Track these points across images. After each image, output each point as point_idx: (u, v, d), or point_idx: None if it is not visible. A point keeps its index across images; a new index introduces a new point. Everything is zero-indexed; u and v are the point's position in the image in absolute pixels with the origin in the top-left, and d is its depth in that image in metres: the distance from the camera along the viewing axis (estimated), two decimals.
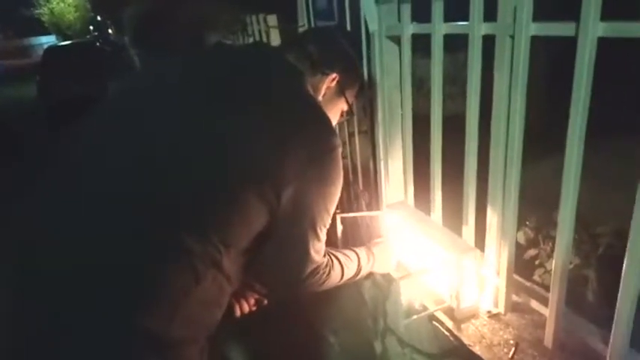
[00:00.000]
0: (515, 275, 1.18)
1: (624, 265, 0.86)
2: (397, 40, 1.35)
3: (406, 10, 1.26)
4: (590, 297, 1.37)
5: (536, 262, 1.49)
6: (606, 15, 0.83)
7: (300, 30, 2.07)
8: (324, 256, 1.05)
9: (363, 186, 1.84)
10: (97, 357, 0.78)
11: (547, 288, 1.14)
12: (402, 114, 1.43)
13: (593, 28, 0.83)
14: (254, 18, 2.39)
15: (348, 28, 1.61)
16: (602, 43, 0.85)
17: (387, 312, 1.46)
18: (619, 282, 0.87)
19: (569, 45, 0.89)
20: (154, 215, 0.83)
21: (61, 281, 0.80)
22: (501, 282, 1.17)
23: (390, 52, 1.38)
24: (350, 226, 1.46)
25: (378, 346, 1.52)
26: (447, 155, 1.31)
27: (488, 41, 1.07)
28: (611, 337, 0.92)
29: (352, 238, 1.66)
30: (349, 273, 1.15)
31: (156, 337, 0.79)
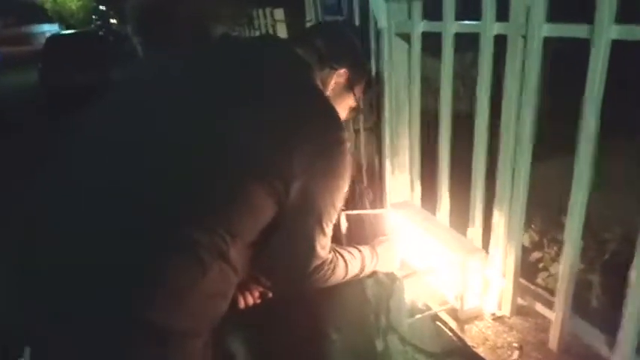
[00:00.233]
0: (520, 278, 1.18)
1: (633, 271, 0.85)
2: (407, 37, 1.34)
3: (417, 7, 1.25)
4: (594, 302, 1.37)
5: (540, 266, 1.49)
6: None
7: (308, 24, 2.06)
8: (330, 252, 1.04)
9: (367, 183, 1.83)
10: (98, 348, 0.78)
11: (551, 291, 1.14)
12: (409, 112, 1.42)
13: (607, 31, 0.82)
14: (260, 12, 2.37)
15: (357, 23, 1.60)
16: (615, 44, 0.84)
17: (389, 310, 1.45)
18: (625, 288, 0.87)
19: (576, 45, 0.89)
20: (158, 207, 0.82)
21: (62, 275, 0.79)
22: (507, 284, 1.17)
23: (399, 49, 1.37)
24: (354, 223, 1.45)
25: (379, 344, 1.51)
26: (454, 154, 1.30)
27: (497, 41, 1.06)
28: (617, 342, 0.92)
29: (356, 235, 1.65)
30: (353, 270, 1.15)
31: (159, 328, 0.79)
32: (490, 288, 1.22)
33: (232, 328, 1.16)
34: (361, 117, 1.67)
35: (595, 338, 1.01)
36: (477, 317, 1.21)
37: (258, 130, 0.89)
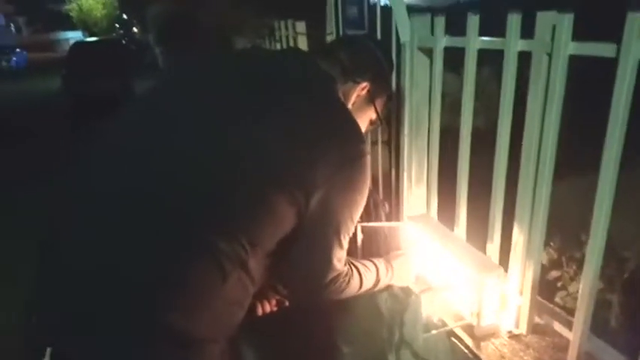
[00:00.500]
0: (538, 297, 1.16)
1: None
2: (428, 52, 1.35)
3: (440, 22, 1.26)
4: (613, 322, 1.34)
5: (559, 284, 1.47)
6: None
7: (328, 37, 2.08)
8: (345, 264, 1.04)
9: (383, 196, 1.83)
10: (121, 349, 0.79)
11: (569, 311, 1.13)
12: (429, 126, 1.42)
13: (635, 50, 0.82)
14: (282, 23, 2.41)
15: (379, 37, 1.62)
16: None
17: (404, 324, 1.44)
18: None
19: (598, 63, 0.89)
20: (182, 214, 0.83)
21: (87, 279, 0.81)
22: (524, 302, 1.16)
23: (420, 63, 1.38)
24: (369, 235, 1.45)
25: (392, 359, 1.50)
26: (473, 169, 1.30)
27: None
28: None
29: (371, 248, 1.65)
30: (368, 284, 1.15)
31: (180, 332, 0.80)
32: (507, 305, 1.21)
33: (245, 335, 1.16)
34: (379, 129, 1.68)
35: (613, 359, 0.99)
36: (493, 335, 1.19)
37: (281, 141, 0.90)
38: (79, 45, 9.86)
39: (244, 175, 0.87)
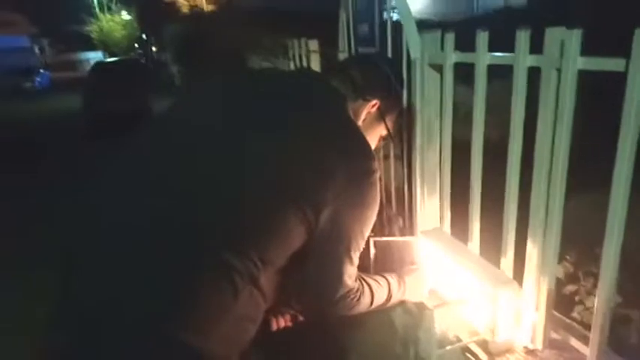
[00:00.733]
0: (553, 311, 1.15)
1: None
2: (438, 68, 1.36)
3: (450, 39, 1.28)
4: (633, 338, 1.32)
5: (576, 299, 1.44)
6: None
7: (340, 55, 2.12)
8: (356, 280, 1.05)
9: (397, 210, 1.84)
10: None
11: (586, 326, 1.11)
12: (440, 140, 1.43)
13: None
14: (296, 42, 2.45)
15: (390, 54, 1.64)
16: None
17: (418, 340, 1.43)
18: None
19: (610, 78, 0.89)
20: (196, 232, 0.85)
21: (101, 295, 0.82)
22: (539, 317, 1.14)
23: (431, 79, 1.39)
24: (382, 250, 1.45)
25: None
26: (485, 183, 1.30)
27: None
28: None
29: (384, 262, 1.65)
30: (379, 300, 1.15)
31: (192, 350, 0.81)
32: (522, 320, 1.19)
33: (258, 350, 1.17)
34: (391, 143, 1.69)
35: None
36: (508, 350, 1.18)
37: (291, 160, 0.92)
38: (99, 65, 10.15)
39: (255, 193, 0.89)
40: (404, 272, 1.30)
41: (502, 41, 1.16)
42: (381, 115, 1.17)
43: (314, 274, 0.99)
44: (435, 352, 1.27)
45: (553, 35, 0.98)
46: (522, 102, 1.11)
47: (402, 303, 1.30)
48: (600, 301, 0.98)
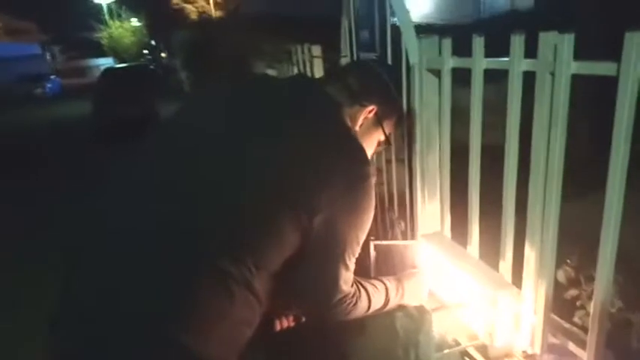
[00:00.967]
0: (553, 315, 1.15)
1: None
2: (437, 72, 1.37)
3: (447, 44, 1.29)
4: (635, 342, 1.31)
5: (578, 304, 1.44)
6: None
7: (342, 60, 2.13)
8: (352, 285, 1.06)
9: (399, 214, 1.84)
10: None
11: (587, 330, 1.11)
12: (439, 144, 1.44)
13: (635, 69, 0.83)
14: (299, 48, 2.47)
15: (390, 60, 1.65)
16: None
17: (419, 344, 1.43)
18: None
19: (604, 81, 0.89)
20: (196, 237, 0.87)
21: (101, 294, 0.84)
22: (538, 321, 1.14)
23: (429, 84, 1.40)
24: (383, 254, 1.46)
25: None
26: (485, 187, 1.30)
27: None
28: None
29: (385, 266, 1.66)
30: (376, 304, 1.15)
31: (192, 353, 0.82)
32: (521, 324, 1.19)
33: (257, 353, 1.18)
34: (393, 148, 1.70)
35: None
36: (507, 354, 1.18)
37: (286, 165, 0.93)
38: (109, 71, 10.30)
39: (255, 198, 0.91)
40: (403, 276, 1.31)
41: (507, 45, 1.16)
42: (378, 121, 1.18)
43: (310, 280, 1.00)
44: (433, 356, 1.27)
45: (547, 40, 0.99)
46: (518, 106, 1.12)
47: (401, 307, 1.31)
48: (596, 304, 0.98)
